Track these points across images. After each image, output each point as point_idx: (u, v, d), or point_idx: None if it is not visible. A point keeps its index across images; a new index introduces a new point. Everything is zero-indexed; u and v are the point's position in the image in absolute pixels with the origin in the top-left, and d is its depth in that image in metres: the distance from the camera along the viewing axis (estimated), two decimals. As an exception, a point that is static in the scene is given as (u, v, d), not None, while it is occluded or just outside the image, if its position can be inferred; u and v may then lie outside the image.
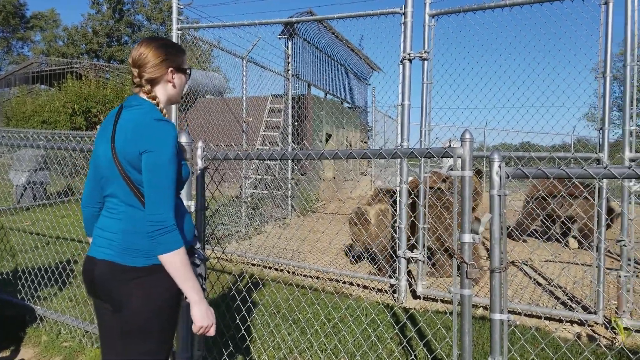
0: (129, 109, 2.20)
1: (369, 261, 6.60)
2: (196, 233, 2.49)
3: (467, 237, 2.54)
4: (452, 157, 2.61)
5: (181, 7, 7.49)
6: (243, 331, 3.85)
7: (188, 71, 2.41)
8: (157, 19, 38.45)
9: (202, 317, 2.12)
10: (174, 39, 7.27)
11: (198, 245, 2.47)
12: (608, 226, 7.90)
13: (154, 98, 2.24)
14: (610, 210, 7.94)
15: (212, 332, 2.18)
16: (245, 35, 10.90)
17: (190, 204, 3.21)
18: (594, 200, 8.23)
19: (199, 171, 3.38)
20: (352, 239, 6.66)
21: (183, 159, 2.29)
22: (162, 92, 2.30)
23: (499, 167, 2.49)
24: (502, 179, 2.50)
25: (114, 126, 2.17)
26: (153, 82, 2.26)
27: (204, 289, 2.30)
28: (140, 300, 2.10)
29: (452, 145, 2.60)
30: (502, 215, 2.51)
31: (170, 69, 2.28)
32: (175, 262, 2.03)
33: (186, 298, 2.12)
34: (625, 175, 2.28)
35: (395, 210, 6.30)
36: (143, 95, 2.25)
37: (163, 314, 2.16)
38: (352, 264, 6.93)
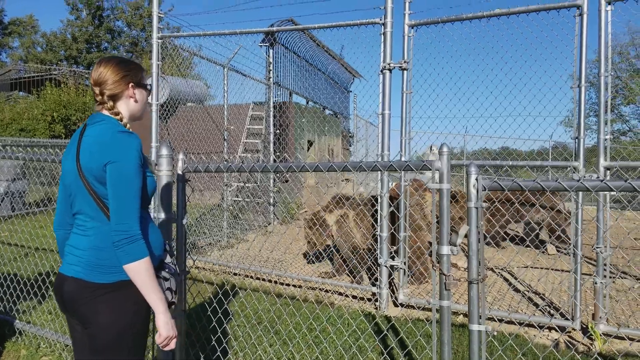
0: (92, 125, 2.25)
1: (348, 271, 6.62)
2: (167, 247, 2.51)
3: (446, 249, 2.58)
4: (430, 170, 2.66)
5: (161, 15, 7.46)
6: (225, 344, 3.84)
7: (149, 87, 2.47)
8: (137, 25, 38.17)
9: (167, 328, 2.15)
10: (155, 48, 7.25)
11: (169, 259, 2.49)
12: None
13: (117, 114, 2.30)
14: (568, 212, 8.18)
15: (172, 345, 2.21)
16: (227, 44, 10.93)
17: (160, 216, 3.20)
18: (555, 201, 8.41)
19: (179, 183, 3.37)
20: (308, 243, 6.93)
21: (149, 171, 2.32)
22: (125, 107, 2.34)
23: (476, 179, 2.53)
24: (479, 191, 2.54)
25: (78, 143, 2.22)
26: (115, 98, 2.30)
27: (173, 303, 2.31)
28: (108, 317, 2.13)
29: (432, 150, 2.64)
30: (479, 227, 2.55)
31: (130, 85, 2.33)
32: (140, 272, 2.06)
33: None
34: (597, 188, 2.33)
35: (357, 215, 6.56)
36: (106, 112, 2.29)
37: (132, 329, 2.18)
38: (309, 264, 6.95)
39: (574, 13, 4.84)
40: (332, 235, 6.73)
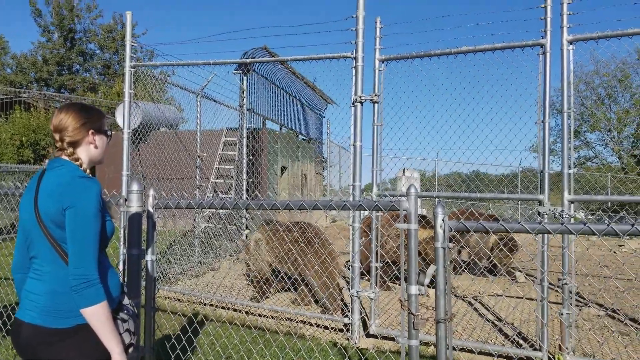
0: (52, 170, 2.28)
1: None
2: (126, 289, 2.52)
3: (414, 289, 2.62)
4: (398, 210, 2.71)
5: (134, 44, 7.48)
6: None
7: (109, 132, 2.51)
8: (110, 48, 37.90)
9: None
10: (127, 76, 7.24)
11: (127, 300, 2.49)
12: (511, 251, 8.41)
13: (77, 159, 2.33)
14: (512, 239, 8.37)
15: None
16: (200, 71, 10.95)
17: (130, 252, 3.18)
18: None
19: (149, 220, 3.36)
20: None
21: (108, 215, 2.34)
22: (85, 153, 2.38)
23: (443, 220, 2.60)
24: (446, 232, 2.60)
25: (36, 188, 2.24)
26: (75, 144, 2.34)
27: (132, 344, 2.30)
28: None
29: (405, 174, 2.70)
30: (446, 267, 2.60)
31: (91, 132, 2.37)
32: (98, 315, 2.08)
33: None
34: (558, 231, 2.42)
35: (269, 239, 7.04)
36: (65, 157, 2.32)
37: None
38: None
39: (537, 51, 5.02)
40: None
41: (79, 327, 2.13)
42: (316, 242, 6.56)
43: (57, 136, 2.33)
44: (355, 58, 5.56)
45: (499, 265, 8.64)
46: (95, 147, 2.41)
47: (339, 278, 6.77)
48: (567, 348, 4.70)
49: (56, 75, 36.85)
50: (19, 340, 2.19)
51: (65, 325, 2.13)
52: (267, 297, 6.98)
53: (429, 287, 2.64)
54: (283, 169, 16.58)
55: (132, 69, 7.32)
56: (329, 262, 6.59)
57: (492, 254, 8.63)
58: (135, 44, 7.52)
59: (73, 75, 37.48)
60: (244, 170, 11.39)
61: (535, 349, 4.95)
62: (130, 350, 2.28)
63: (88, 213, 2.12)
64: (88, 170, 2.35)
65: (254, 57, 10.29)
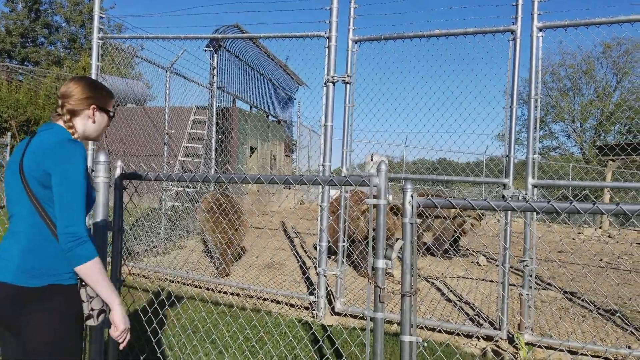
0: (42, 132, 2.30)
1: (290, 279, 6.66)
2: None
3: (381, 263, 2.67)
4: (369, 185, 2.74)
5: (102, 15, 7.29)
6: (159, 354, 3.80)
7: (111, 114, 2.53)
8: (77, 21, 36.76)
9: (124, 321, 2.22)
10: (95, 48, 7.07)
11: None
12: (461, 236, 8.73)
13: (71, 127, 2.34)
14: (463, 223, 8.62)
15: (128, 337, 2.27)
16: (170, 47, 10.78)
17: (96, 224, 3.14)
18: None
19: (117, 191, 3.32)
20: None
21: (90, 182, 2.35)
22: (81, 124, 2.40)
23: (411, 196, 2.64)
24: (414, 207, 2.65)
25: (24, 149, 2.25)
26: (73, 113, 2.36)
27: (103, 311, 2.29)
28: (38, 322, 2.12)
29: (372, 159, 2.73)
30: (412, 243, 2.65)
31: (93, 106, 2.39)
32: (94, 271, 2.11)
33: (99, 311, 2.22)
34: (523, 209, 2.49)
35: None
36: (60, 123, 2.34)
37: (65, 334, 2.18)
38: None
39: (508, 37, 5.10)
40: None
41: (51, 286, 2.14)
42: (230, 213, 7.36)
43: (60, 101, 2.36)
44: (329, 37, 5.55)
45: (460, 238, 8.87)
46: (94, 122, 2.43)
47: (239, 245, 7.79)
48: (526, 327, 4.85)
49: (20, 47, 35.68)
50: None
51: (37, 284, 2.13)
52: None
53: (398, 258, 2.69)
54: (252, 149, 16.50)
55: (100, 41, 7.15)
56: (234, 231, 7.41)
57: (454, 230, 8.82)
58: (103, 16, 7.33)
59: (37, 48, 36.34)
60: (213, 149, 11.30)
61: (495, 328, 5.10)
62: (102, 317, 2.27)
63: (76, 174, 2.13)
64: (77, 136, 2.36)
65: (225, 34, 10.15)
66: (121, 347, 2.28)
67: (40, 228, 2.17)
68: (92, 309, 2.24)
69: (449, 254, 9.15)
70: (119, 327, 2.21)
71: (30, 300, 2.12)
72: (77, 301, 2.21)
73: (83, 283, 2.21)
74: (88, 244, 2.10)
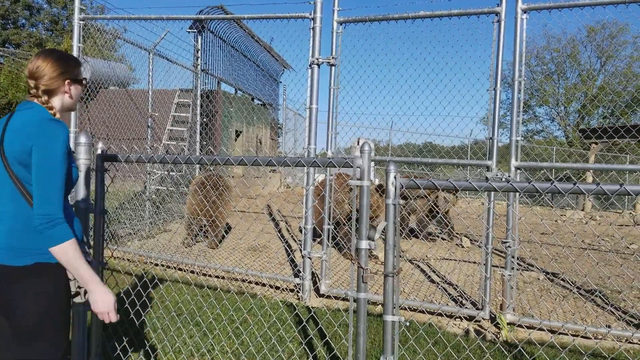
0: (21, 112, 2.28)
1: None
2: (85, 239, 2.55)
3: (364, 244, 2.67)
4: (352, 167, 2.74)
5: (84, -5, 7.16)
6: (143, 336, 3.80)
7: (84, 81, 2.52)
8: (59, 2, 36.02)
9: (96, 302, 2.17)
10: (76, 29, 6.95)
11: (86, 249, 2.48)
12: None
13: (51, 108, 2.31)
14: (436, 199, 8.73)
15: (112, 317, 2.22)
16: (153, 28, 10.63)
17: (77, 206, 3.10)
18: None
19: (98, 173, 3.29)
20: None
21: (73, 162, 2.36)
22: (59, 102, 2.38)
23: (394, 177, 2.64)
24: (397, 189, 2.65)
25: (4, 128, 2.23)
26: (50, 93, 2.33)
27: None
28: (26, 301, 2.14)
29: (359, 144, 2.72)
30: (395, 223, 2.66)
31: (67, 81, 2.37)
32: (68, 253, 2.08)
33: (79, 290, 2.24)
34: (504, 189, 2.50)
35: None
36: (37, 102, 2.32)
37: (51, 313, 2.19)
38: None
39: (492, 19, 5.09)
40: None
41: (38, 265, 2.15)
42: (221, 189, 7.95)
43: (32, 83, 2.31)
44: (314, 19, 5.50)
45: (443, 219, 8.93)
46: (71, 97, 2.41)
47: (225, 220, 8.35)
48: (507, 307, 4.92)
49: (0, 29, 34.93)
50: None
51: (24, 262, 2.14)
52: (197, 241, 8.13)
53: (382, 240, 2.69)
54: (237, 132, 16.42)
55: (81, 22, 7.03)
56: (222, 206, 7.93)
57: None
58: (84, -5, 7.20)
59: (18, 30, 35.60)
60: (197, 132, 11.22)
61: (477, 308, 5.16)
62: (87, 296, 2.24)
63: (55, 155, 2.11)
64: (58, 115, 2.34)
65: (209, 15, 10.03)
66: (107, 322, 2.24)
67: (24, 207, 2.17)
68: (79, 287, 2.26)
69: (433, 235, 9.22)
70: (96, 309, 2.18)
71: (17, 278, 2.13)
72: (64, 279, 2.23)
73: None
74: (62, 226, 2.08)
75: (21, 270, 2.13)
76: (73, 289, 2.24)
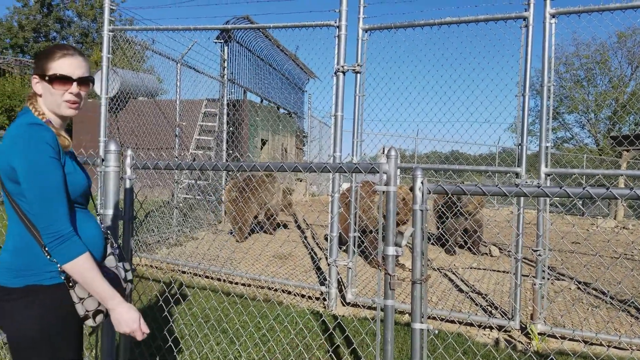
0: (15, 119, 2.12)
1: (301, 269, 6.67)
2: (113, 250, 2.27)
3: (391, 250, 2.65)
4: (378, 172, 2.72)
5: (113, 8, 7.30)
6: (170, 342, 3.82)
7: (58, 75, 2.06)
8: (89, 15, 36.99)
9: (119, 324, 2.02)
10: (105, 40, 7.09)
11: (112, 262, 2.24)
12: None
13: (41, 113, 2.09)
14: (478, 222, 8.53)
15: (138, 336, 2.06)
16: (181, 39, 10.78)
17: (107, 213, 3.13)
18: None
19: (127, 181, 3.33)
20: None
21: (77, 165, 2.16)
22: (42, 104, 2.12)
23: (421, 183, 2.61)
24: (424, 194, 2.62)
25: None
26: (34, 95, 2.13)
27: (101, 312, 2.10)
28: (17, 323, 1.99)
29: (385, 153, 2.70)
30: (423, 230, 2.63)
31: (34, 77, 2.12)
32: (81, 269, 1.92)
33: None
34: (535, 194, 2.45)
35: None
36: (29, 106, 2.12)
37: (45, 335, 2.01)
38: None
39: (520, 24, 5.03)
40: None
41: (30, 287, 1.99)
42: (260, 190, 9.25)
43: None
44: (339, 27, 5.51)
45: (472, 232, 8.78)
46: (40, 95, 2.10)
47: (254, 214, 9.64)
48: (539, 317, 4.82)
49: (32, 42, 35.94)
50: None
51: (18, 284, 1.99)
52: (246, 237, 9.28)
53: (409, 248, 2.65)
54: (263, 141, 16.51)
55: (111, 33, 7.16)
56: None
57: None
58: (114, 8, 7.35)
59: (50, 42, 36.57)
60: (224, 141, 11.31)
61: (507, 318, 5.06)
62: (99, 317, 2.08)
63: (39, 165, 1.89)
64: (59, 122, 2.13)
65: (235, 25, 10.14)
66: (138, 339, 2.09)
67: (18, 225, 2.03)
68: (87, 310, 2.04)
69: (460, 244, 9.09)
70: (119, 329, 2.02)
71: (10, 300, 1.98)
72: (63, 301, 2.01)
73: (70, 284, 2.01)
74: (71, 241, 1.90)
75: (11, 292, 1.98)
76: (81, 312, 2.03)
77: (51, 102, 2.09)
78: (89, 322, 2.05)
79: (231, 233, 9.69)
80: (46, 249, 1.94)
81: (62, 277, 1.99)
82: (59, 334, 2.04)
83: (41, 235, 1.91)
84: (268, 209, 10.03)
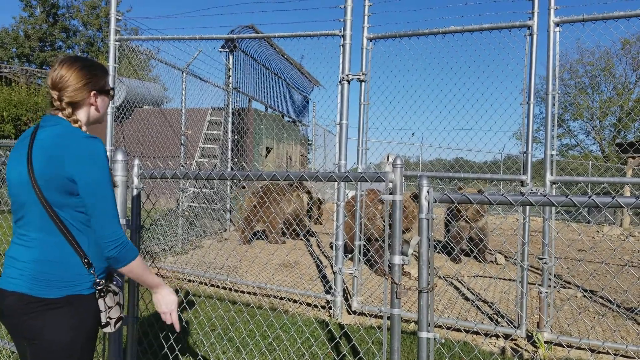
0: (48, 128, 2.11)
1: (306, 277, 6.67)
2: None
3: (397, 259, 2.65)
4: (384, 181, 2.73)
5: (119, 17, 7.37)
6: (177, 351, 3.82)
7: (111, 92, 2.35)
8: (94, 25, 37.27)
9: (160, 304, 2.33)
10: (112, 50, 7.15)
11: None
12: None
13: (76, 121, 2.16)
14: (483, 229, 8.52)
15: (174, 317, 2.37)
16: (186, 48, 10.85)
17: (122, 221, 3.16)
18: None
19: (135, 190, 3.35)
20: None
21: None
22: (84, 115, 2.22)
23: (427, 192, 2.62)
24: (430, 203, 2.63)
25: (29, 148, 2.07)
26: (74, 105, 2.17)
27: (121, 318, 2.25)
28: (53, 332, 2.04)
29: (389, 160, 2.72)
30: (429, 238, 2.64)
31: (93, 93, 2.21)
32: (138, 267, 2.16)
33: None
34: (540, 203, 2.46)
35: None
36: (62, 117, 2.16)
37: (78, 345, 2.10)
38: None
39: (524, 33, 5.05)
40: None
41: (69, 297, 2.06)
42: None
43: (55, 94, 2.13)
44: (343, 36, 5.54)
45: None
46: (97, 109, 2.26)
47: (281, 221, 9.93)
48: (545, 325, 4.80)
49: (38, 51, 36.20)
50: (2, 309, 2.09)
51: (55, 295, 2.04)
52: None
53: (415, 257, 2.67)
54: (268, 149, 16.55)
55: (117, 43, 7.22)
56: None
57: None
58: (120, 18, 7.41)
59: (55, 52, 36.84)
60: (229, 149, 11.35)
61: (513, 326, 5.05)
62: (119, 324, 2.23)
63: (103, 177, 2.05)
64: (85, 128, 2.21)
65: (240, 35, 10.19)
66: (177, 327, 2.39)
67: (54, 236, 2.06)
68: (110, 318, 2.18)
69: (466, 252, 9.07)
70: (159, 309, 2.33)
71: (45, 311, 2.03)
72: (95, 311, 2.14)
73: (102, 294, 2.14)
74: (129, 245, 2.10)
75: (50, 302, 2.03)
76: (104, 320, 2.17)
77: (98, 116, 2.29)
78: (108, 329, 2.19)
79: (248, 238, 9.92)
80: (86, 260, 2.08)
81: (97, 288, 2.13)
82: (89, 340, 2.17)
83: (102, 244, 2.05)
84: (295, 216, 10.32)
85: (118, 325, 2.22)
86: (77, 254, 2.08)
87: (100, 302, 2.14)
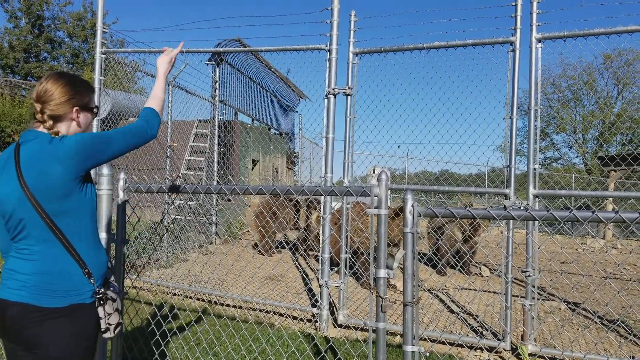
0: (27, 143, 2.15)
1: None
2: (110, 265, 2.50)
3: (382, 273, 2.68)
4: (369, 195, 2.76)
5: (105, 30, 7.37)
6: (162, 365, 3.80)
7: (95, 110, 2.40)
8: (80, 36, 37.06)
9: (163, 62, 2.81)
10: (97, 63, 7.14)
11: (112, 278, 2.49)
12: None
13: (56, 133, 2.21)
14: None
15: (174, 53, 2.88)
16: (172, 61, 10.83)
17: (100, 236, 3.15)
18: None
19: (120, 203, 3.35)
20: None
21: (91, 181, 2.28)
22: (65, 128, 2.27)
23: (412, 206, 2.66)
24: (415, 217, 2.66)
25: (16, 164, 2.10)
26: (56, 118, 2.23)
27: (120, 324, 2.32)
28: (55, 340, 2.08)
29: (374, 172, 2.75)
30: (414, 252, 2.66)
31: (75, 108, 2.27)
32: (161, 111, 2.61)
33: None
34: (523, 217, 2.50)
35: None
36: (42, 130, 2.21)
37: (80, 351, 2.15)
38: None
39: (507, 48, 5.14)
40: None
41: (73, 306, 2.13)
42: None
43: (38, 107, 2.19)
44: (330, 50, 5.59)
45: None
46: (79, 125, 2.31)
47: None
48: (529, 337, 4.84)
49: (23, 62, 35.91)
50: (4, 320, 2.10)
51: (60, 304, 2.10)
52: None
53: (400, 269, 2.69)
54: (254, 162, 16.54)
55: (103, 55, 7.22)
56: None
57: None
58: (106, 30, 7.41)
59: (40, 63, 36.55)
60: (215, 162, 11.34)
61: (498, 339, 5.08)
62: (118, 329, 2.29)
63: (100, 134, 2.21)
64: None
65: (227, 48, 10.24)
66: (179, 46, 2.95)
67: (55, 247, 2.11)
68: (109, 324, 2.24)
69: (451, 264, 9.12)
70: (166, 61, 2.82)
71: (48, 319, 2.08)
72: (96, 318, 2.20)
73: (102, 302, 2.20)
74: (148, 122, 2.45)
75: (52, 311, 2.08)
76: (103, 326, 2.23)
77: (79, 130, 2.34)
78: (107, 335, 2.24)
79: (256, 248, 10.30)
80: (86, 270, 2.15)
81: (97, 297, 2.19)
82: (89, 347, 2.21)
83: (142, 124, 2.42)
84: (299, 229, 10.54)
85: (117, 330, 2.28)
86: (78, 264, 2.15)
87: (100, 309, 2.21)
